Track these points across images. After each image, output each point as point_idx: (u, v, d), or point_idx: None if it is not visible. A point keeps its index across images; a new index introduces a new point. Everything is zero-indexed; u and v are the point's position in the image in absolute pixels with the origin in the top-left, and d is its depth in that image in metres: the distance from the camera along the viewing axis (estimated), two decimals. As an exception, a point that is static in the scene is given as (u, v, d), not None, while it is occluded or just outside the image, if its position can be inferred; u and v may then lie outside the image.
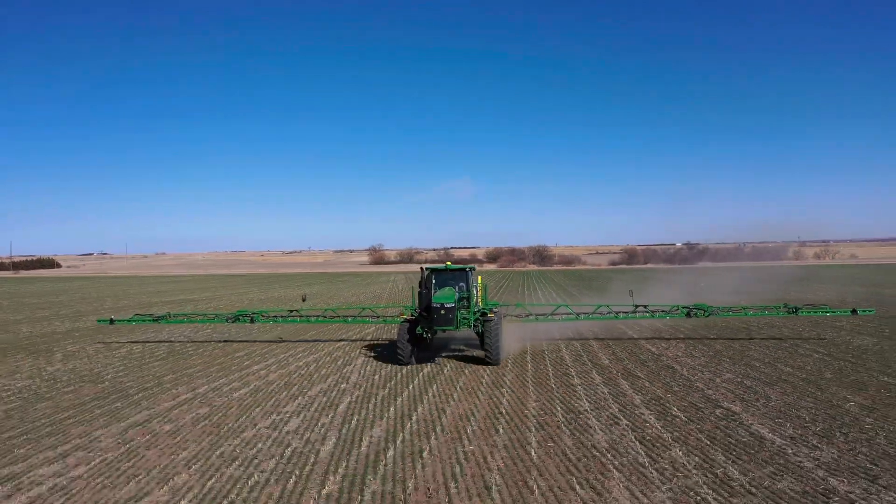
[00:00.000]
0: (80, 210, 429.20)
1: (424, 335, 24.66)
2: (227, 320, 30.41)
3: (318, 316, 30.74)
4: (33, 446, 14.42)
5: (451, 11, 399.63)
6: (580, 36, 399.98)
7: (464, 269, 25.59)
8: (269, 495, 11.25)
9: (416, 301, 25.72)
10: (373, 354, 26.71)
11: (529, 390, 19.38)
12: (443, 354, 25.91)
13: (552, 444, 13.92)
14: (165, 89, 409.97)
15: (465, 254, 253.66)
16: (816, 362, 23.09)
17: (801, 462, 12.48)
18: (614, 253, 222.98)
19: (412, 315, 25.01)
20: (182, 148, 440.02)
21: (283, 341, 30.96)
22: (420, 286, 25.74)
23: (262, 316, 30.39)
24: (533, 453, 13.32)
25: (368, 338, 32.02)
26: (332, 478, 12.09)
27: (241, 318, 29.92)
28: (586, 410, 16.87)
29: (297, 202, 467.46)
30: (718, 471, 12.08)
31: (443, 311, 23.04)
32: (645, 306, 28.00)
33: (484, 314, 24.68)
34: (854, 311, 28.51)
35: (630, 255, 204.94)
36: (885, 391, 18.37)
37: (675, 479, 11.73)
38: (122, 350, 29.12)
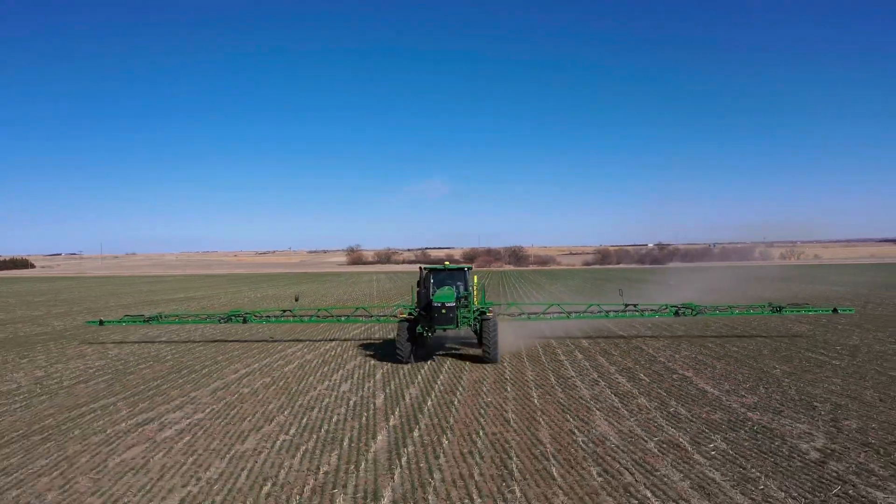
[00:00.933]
0: (46, 211, 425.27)
1: (425, 334, 25.27)
2: (219, 321, 30.77)
3: (311, 315, 31.25)
4: (149, 402, 18.62)
5: (426, 13, 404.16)
6: (553, 37, 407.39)
7: (462, 269, 26.42)
8: (352, 427, 15.66)
9: (416, 300, 26.28)
10: (370, 353, 27.32)
11: (526, 365, 23.95)
12: (440, 353, 26.81)
13: (549, 397, 18.53)
14: (132, 90, 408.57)
15: (441, 254, 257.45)
16: (758, 343, 28.05)
17: (730, 404, 17.25)
18: (587, 253, 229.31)
19: (411, 314, 25.55)
20: (150, 149, 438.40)
21: (275, 341, 31.39)
22: (419, 285, 26.23)
23: (256, 316, 30.55)
24: (536, 401, 17.92)
25: (363, 336, 32.56)
26: (392, 416, 16.53)
27: (233, 318, 30.08)
28: (572, 376, 21.52)
29: (268, 203, 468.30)
30: (671, 409, 16.79)
31: (444, 311, 23.49)
32: (635, 305, 29.25)
33: (482, 313, 25.23)
34: (835, 311, 29.77)
35: (603, 256, 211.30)
36: (806, 362, 23.32)
37: (640, 414, 16.41)
38: (164, 339, 33.10)
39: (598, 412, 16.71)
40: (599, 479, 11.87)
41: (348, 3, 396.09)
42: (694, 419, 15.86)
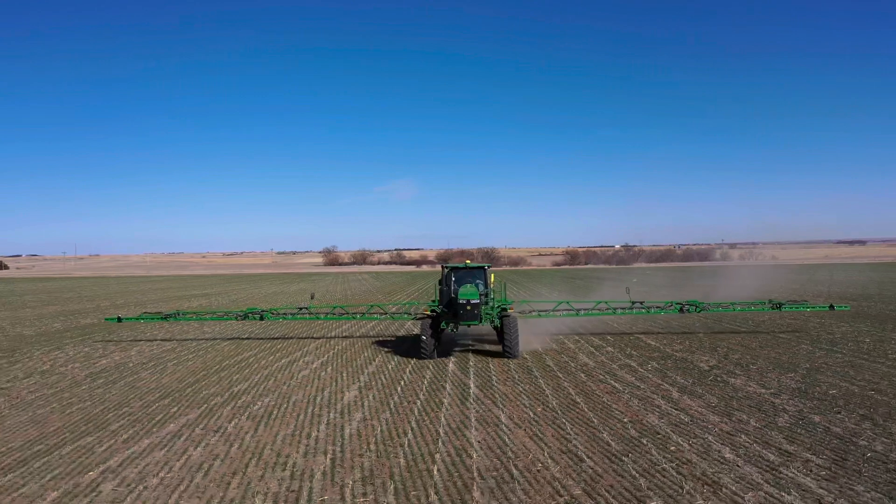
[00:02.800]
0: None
1: (449, 329, 26.61)
2: (236, 318, 32.53)
3: (327, 313, 32.89)
4: (280, 353, 27.46)
5: (398, 15, 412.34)
6: (522, 39, 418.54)
7: (482, 268, 27.48)
8: (428, 362, 24.79)
9: (438, 297, 27.56)
10: (388, 349, 28.80)
11: (531, 337, 33.21)
12: (457, 349, 28.28)
13: (550, 350, 27.89)
14: (87, 89, 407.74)
15: (415, 255, 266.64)
16: (693, 322, 37.86)
17: (664, 349, 26.86)
18: (556, 255, 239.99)
19: (434, 311, 26.84)
20: (109, 149, 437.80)
21: (291, 338, 33.30)
22: (440, 283, 27.61)
23: (272, 313, 31.71)
24: (540, 349, 27.30)
25: (374, 333, 36.83)
26: (450, 366, 25.57)
27: (250, 315, 31.36)
28: (561, 337, 30.93)
29: (234, 204, 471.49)
30: (627, 352, 26.36)
31: (469, 307, 24.59)
32: (641, 302, 30.80)
33: (504, 310, 26.59)
34: (832, 307, 30.77)
35: (572, 257, 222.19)
36: (722, 331, 33.11)
37: (607, 354, 25.92)
38: (227, 324, 41.57)
39: (581, 354, 26.17)
40: (584, 378, 21.26)
41: (318, 5, 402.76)
42: (641, 356, 25.41)
